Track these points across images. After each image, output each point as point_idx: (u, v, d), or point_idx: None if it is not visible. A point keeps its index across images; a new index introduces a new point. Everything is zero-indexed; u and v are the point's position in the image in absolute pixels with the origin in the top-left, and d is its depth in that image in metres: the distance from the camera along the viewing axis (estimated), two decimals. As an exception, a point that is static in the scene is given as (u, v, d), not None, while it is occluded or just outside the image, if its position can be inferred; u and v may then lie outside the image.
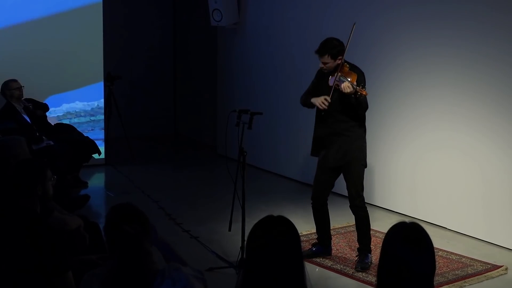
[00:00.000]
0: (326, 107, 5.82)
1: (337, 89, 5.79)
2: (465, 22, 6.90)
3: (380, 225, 7.07)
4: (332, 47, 5.86)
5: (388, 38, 7.74)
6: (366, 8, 7.97)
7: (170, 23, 12.65)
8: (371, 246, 6.22)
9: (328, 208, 6.32)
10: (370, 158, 7.97)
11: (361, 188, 6.08)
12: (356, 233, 6.22)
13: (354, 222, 6.25)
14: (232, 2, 9.96)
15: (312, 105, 6.00)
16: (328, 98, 5.80)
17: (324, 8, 8.60)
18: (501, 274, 6.04)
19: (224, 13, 9.88)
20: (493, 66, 6.69)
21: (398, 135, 7.72)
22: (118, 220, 3.04)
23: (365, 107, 5.93)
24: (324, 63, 5.89)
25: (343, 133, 5.98)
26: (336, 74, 5.81)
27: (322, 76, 6.05)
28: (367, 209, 6.17)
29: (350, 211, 6.19)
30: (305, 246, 6.35)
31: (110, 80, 10.06)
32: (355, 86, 5.67)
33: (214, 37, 10.95)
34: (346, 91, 5.66)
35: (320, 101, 5.84)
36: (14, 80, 8.30)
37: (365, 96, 5.79)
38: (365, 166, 6.15)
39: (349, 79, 5.73)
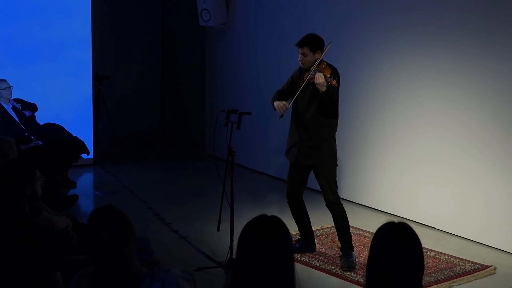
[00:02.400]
0: (283, 113, 6.00)
1: (310, 85, 5.90)
2: (458, 28, 6.92)
3: (369, 224, 7.08)
4: (313, 41, 5.98)
5: (379, 43, 7.73)
6: (356, 10, 7.99)
7: (158, 23, 12.63)
8: (360, 246, 6.22)
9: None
10: (362, 159, 8.01)
11: (334, 184, 6.11)
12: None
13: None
14: (221, 2, 9.96)
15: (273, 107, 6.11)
16: (287, 105, 5.99)
17: (314, 8, 8.59)
18: (490, 274, 6.05)
19: (212, 13, 9.87)
20: (485, 72, 6.71)
21: (391, 137, 7.71)
22: (96, 225, 3.02)
23: (335, 103, 5.96)
24: (303, 55, 5.97)
25: (314, 133, 6.03)
26: (311, 69, 5.89)
27: (298, 75, 6.13)
28: (344, 206, 6.18)
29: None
30: (292, 245, 6.33)
31: (98, 80, 10.03)
32: (327, 77, 5.78)
33: (203, 37, 10.95)
34: (318, 81, 5.77)
35: (280, 106, 6.00)
36: (3, 80, 8.28)
37: (335, 90, 5.86)
38: (336, 164, 6.18)
39: (323, 72, 5.85)
